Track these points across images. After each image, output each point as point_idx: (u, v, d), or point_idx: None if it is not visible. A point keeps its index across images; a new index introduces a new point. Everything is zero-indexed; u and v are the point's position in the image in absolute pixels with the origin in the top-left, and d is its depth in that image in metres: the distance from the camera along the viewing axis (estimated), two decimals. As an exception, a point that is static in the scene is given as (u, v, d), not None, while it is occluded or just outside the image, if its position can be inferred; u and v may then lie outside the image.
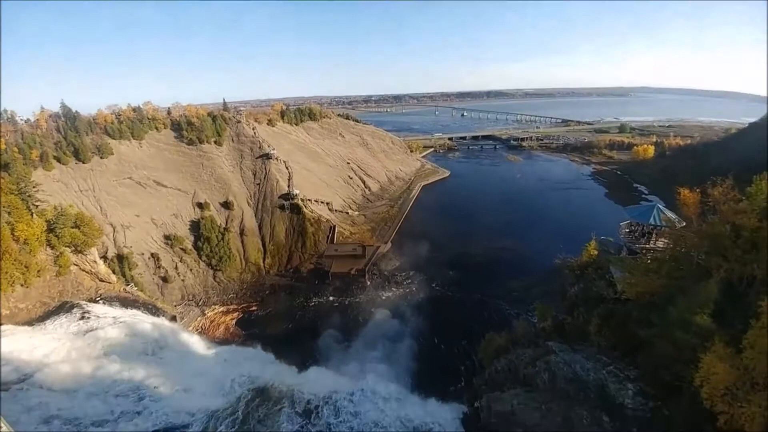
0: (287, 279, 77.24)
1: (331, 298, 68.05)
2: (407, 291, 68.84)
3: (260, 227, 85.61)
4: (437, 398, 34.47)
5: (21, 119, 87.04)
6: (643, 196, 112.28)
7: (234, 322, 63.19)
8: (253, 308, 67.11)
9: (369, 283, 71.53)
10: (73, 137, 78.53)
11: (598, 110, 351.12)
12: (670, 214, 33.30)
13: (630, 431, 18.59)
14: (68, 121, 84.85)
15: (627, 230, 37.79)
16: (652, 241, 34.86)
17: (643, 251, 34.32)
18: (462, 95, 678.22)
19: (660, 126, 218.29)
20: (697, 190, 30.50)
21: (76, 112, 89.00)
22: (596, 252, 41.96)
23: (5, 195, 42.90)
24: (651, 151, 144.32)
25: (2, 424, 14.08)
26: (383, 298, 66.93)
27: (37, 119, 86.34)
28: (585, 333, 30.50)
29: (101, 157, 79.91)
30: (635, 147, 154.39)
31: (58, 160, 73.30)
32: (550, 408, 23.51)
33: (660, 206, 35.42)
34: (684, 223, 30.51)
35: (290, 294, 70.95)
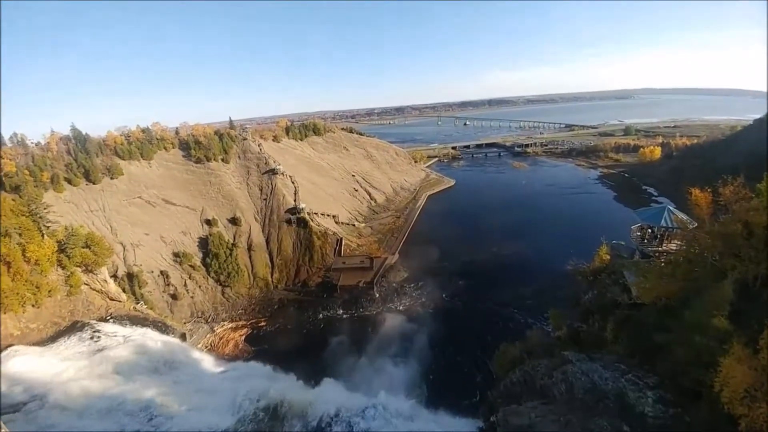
0: (295, 293, 76.98)
1: (340, 312, 67.45)
2: (417, 302, 67.96)
3: (267, 242, 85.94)
4: (451, 413, 33.59)
5: (31, 142, 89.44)
6: (653, 198, 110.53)
7: (243, 338, 62.86)
8: (262, 323, 66.78)
9: (378, 295, 70.87)
10: (83, 159, 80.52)
11: (601, 114, 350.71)
12: (682, 216, 32.63)
13: None
14: (78, 143, 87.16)
15: (638, 233, 37.07)
16: (665, 244, 34.12)
17: (657, 254, 33.57)
18: (464, 104, 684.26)
19: (665, 127, 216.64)
20: (708, 190, 29.90)
21: (86, 134, 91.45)
22: (608, 257, 41.18)
23: (17, 217, 43.80)
24: (658, 152, 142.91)
25: None
26: (393, 310, 66.12)
27: (48, 142, 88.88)
28: (601, 340, 29.68)
29: (111, 178, 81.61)
30: (641, 149, 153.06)
31: (69, 181, 75.03)
32: (569, 420, 22.67)
33: (671, 207, 34.82)
34: (696, 224, 29.85)
35: (299, 308, 70.60)
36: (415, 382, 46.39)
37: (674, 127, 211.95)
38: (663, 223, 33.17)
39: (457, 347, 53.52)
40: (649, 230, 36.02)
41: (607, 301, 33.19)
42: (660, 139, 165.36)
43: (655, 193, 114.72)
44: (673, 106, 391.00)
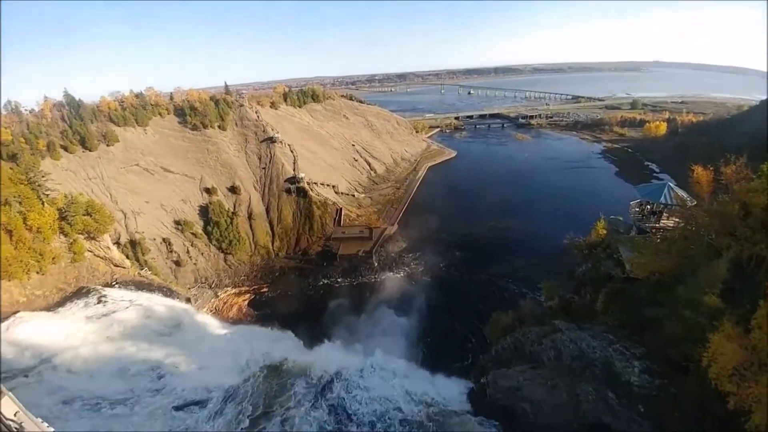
0: (296, 261, 78.41)
1: (339, 279, 69.17)
2: (414, 272, 69.64)
3: (268, 211, 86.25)
4: (444, 374, 35.43)
5: (25, 109, 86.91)
6: (655, 174, 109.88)
7: (246, 303, 64.84)
8: (264, 290, 68.61)
9: (376, 264, 72.38)
10: (78, 126, 78.75)
11: (609, 85, 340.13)
12: (682, 193, 32.60)
13: (636, 408, 18.91)
14: (72, 109, 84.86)
15: (637, 209, 37.21)
16: (662, 221, 34.35)
17: (653, 230, 33.89)
18: (468, 72, 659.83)
19: (673, 102, 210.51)
20: (711, 168, 29.80)
21: (80, 100, 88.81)
22: (605, 231, 41.60)
23: (15, 185, 43.64)
24: (663, 128, 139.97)
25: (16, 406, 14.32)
26: (391, 278, 67.82)
27: (42, 109, 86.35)
28: (592, 312, 30.74)
29: (107, 145, 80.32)
30: (647, 124, 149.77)
31: (65, 149, 73.83)
32: (556, 384, 24.00)
33: (671, 185, 34.66)
34: (695, 202, 30.00)
35: (299, 276, 72.26)
36: (411, 345, 48.60)
37: (681, 102, 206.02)
38: (662, 199, 33.13)
39: (452, 314, 55.56)
40: (648, 206, 36.14)
41: (601, 274, 33.94)
42: (666, 115, 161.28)
43: (657, 170, 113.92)
44: (682, 81, 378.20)
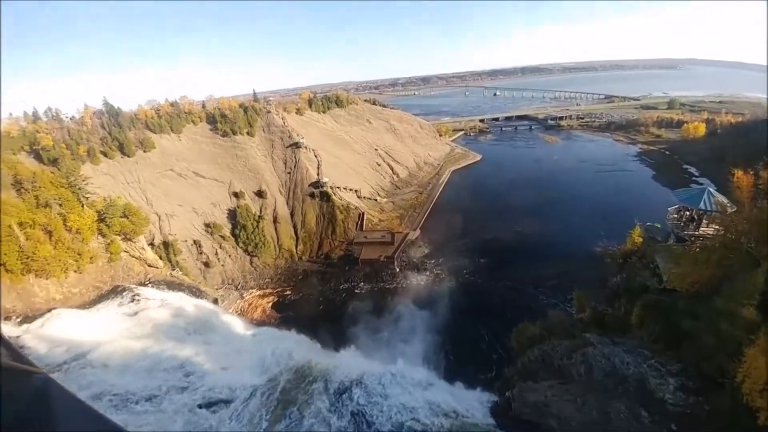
0: (318, 265, 79.38)
1: (361, 284, 69.28)
2: (437, 278, 68.53)
3: (292, 215, 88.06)
4: (467, 385, 34.41)
5: (66, 117, 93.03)
6: (694, 178, 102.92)
7: (270, 305, 66.24)
8: (288, 292, 69.86)
9: (398, 269, 71.91)
10: (117, 133, 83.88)
11: (644, 84, 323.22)
12: (722, 198, 30.47)
13: (668, 426, 17.67)
14: (111, 117, 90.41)
15: (675, 215, 34.97)
16: (702, 228, 32.12)
17: (692, 238, 31.72)
18: (494, 73, 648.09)
19: (711, 102, 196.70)
20: (751, 172, 27.85)
21: (118, 108, 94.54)
22: (641, 239, 39.30)
23: (56, 188, 46.79)
24: (702, 129, 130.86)
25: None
26: (413, 284, 67.10)
27: (82, 116, 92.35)
28: (626, 325, 28.93)
29: (144, 151, 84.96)
30: (685, 125, 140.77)
31: (105, 154, 78.77)
32: (586, 401, 22.70)
33: (711, 189, 32.41)
34: (735, 208, 27.92)
35: (322, 279, 73.03)
36: (432, 354, 47.62)
37: (720, 102, 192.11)
38: (702, 205, 31.01)
39: (475, 323, 54.06)
40: (687, 212, 33.87)
41: (636, 285, 31.98)
42: (705, 115, 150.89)
43: (696, 173, 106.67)
44: (719, 79, 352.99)
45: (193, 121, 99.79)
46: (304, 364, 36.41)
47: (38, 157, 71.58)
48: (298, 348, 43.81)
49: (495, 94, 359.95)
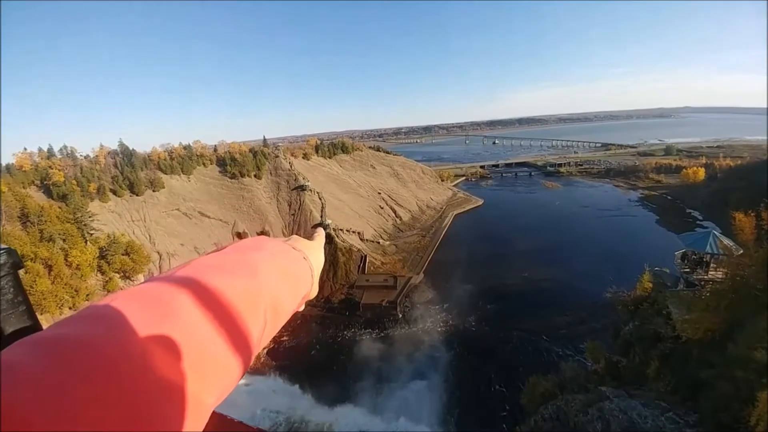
0: (318, 309, 77.07)
1: (362, 331, 66.58)
2: (441, 326, 65.77)
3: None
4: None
5: (81, 155, 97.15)
6: (698, 222, 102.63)
7: (265, 351, 63.19)
8: (284, 338, 67.03)
9: (401, 315, 69.47)
10: (129, 172, 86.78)
11: (639, 132, 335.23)
12: (728, 241, 30.25)
13: None
14: (125, 157, 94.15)
15: (681, 260, 34.44)
16: (710, 272, 31.51)
17: (702, 282, 30.96)
18: (492, 123, 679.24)
19: (708, 147, 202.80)
20: (752, 214, 27.96)
21: (133, 149, 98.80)
22: (650, 285, 38.22)
23: (62, 223, 47.43)
24: (702, 173, 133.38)
25: None
26: (416, 332, 64.35)
27: (97, 155, 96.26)
28: (642, 375, 27.37)
29: (153, 191, 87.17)
30: (684, 170, 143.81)
31: (114, 192, 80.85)
32: (606, 462, 20.83)
33: (716, 233, 32.32)
34: (741, 251, 27.60)
35: (321, 325, 70.43)
36: (436, 411, 44.34)
37: (717, 147, 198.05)
38: (708, 248, 30.70)
39: (482, 376, 50.73)
40: (694, 256, 33.34)
41: (649, 333, 30.61)
42: (703, 160, 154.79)
43: (700, 217, 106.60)
44: (716, 126, 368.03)
45: (203, 164, 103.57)
46: (299, 420, 34.03)
47: (48, 192, 73.31)
48: (292, 401, 41.21)
49: (494, 143, 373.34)
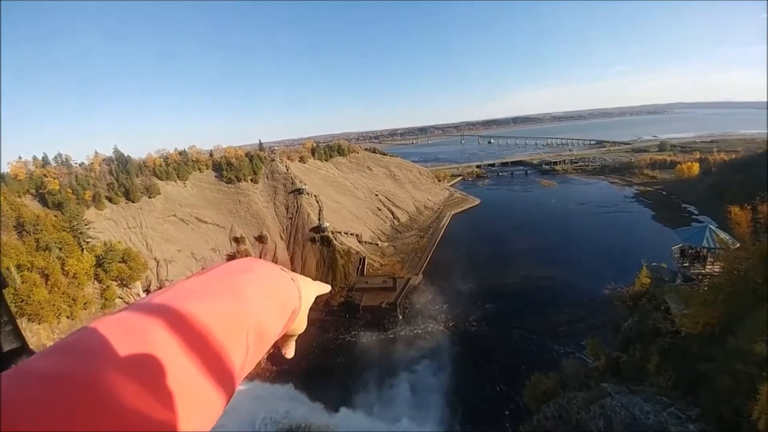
0: (317, 312, 76.76)
1: (361, 333, 66.41)
2: (441, 326, 65.77)
3: (292, 260, 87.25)
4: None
5: (75, 163, 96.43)
6: (694, 216, 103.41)
7: (265, 357, 62.91)
8: (285, 342, 66.73)
9: (400, 316, 69.42)
10: (124, 179, 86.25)
11: (633, 129, 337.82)
12: (724, 235, 30.49)
13: None
14: (120, 164, 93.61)
15: (679, 254, 34.62)
16: (708, 265, 31.70)
17: (700, 277, 31.16)
18: (487, 123, 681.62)
19: (702, 142, 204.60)
20: (748, 207, 28.20)
21: (128, 156, 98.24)
22: (648, 280, 38.43)
23: (58, 232, 47.09)
24: (696, 168, 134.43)
25: None
26: (416, 333, 64.29)
27: (91, 163, 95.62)
28: (642, 371, 27.48)
29: (149, 197, 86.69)
30: (678, 165, 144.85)
31: (110, 200, 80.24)
32: (610, 459, 20.88)
33: (712, 227, 32.52)
34: (738, 244, 27.81)
35: (321, 328, 70.11)
36: (439, 411, 44.29)
37: (711, 141, 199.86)
38: (705, 243, 30.87)
39: (484, 376, 50.75)
40: (691, 251, 33.54)
41: (648, 328, 30.78)
42: (697, 155, 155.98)
43: (696, 212, 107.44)
44: (709, 121, 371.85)
45: (199, 169, 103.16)
46: (300, 424, 33.85)
47: (43, 201, 72.69)
48: (293, 405, 41.01)
49: (489, 142, 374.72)
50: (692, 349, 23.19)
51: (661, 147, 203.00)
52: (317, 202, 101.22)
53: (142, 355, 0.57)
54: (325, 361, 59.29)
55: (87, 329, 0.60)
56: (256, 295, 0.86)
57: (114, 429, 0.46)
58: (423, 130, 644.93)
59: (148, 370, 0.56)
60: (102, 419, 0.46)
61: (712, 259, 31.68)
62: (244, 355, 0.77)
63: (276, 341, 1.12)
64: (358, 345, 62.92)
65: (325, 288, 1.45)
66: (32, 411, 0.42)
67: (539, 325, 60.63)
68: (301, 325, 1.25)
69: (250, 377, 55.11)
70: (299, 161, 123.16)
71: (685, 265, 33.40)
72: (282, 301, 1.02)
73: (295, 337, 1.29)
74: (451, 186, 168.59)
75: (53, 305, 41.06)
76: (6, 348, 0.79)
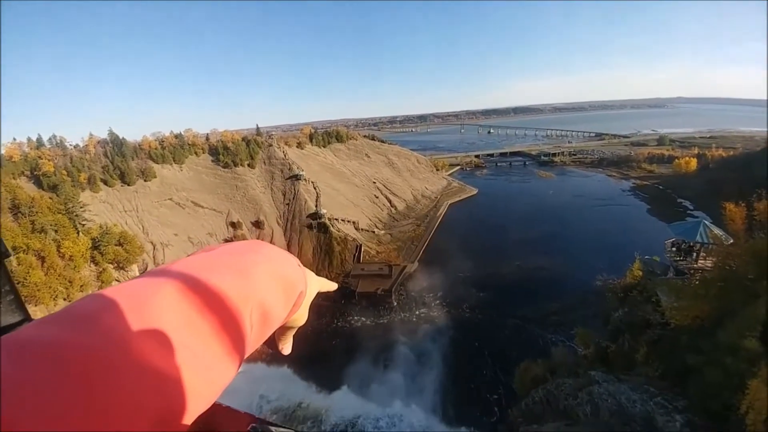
0: (314, 298, 77.37)
1: (356, 318, 67.36)
2: (436, 313, 66.83)
3: (289, 246, 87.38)
4: (468, 430, 32.54)
5: (70, 144, 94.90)
6: (689, 211, 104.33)
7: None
8: (281, 327, 67.55)
9: (396, 303, 70.30)
10: (119, 162, 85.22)
11: (633, 123, 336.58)
12: (718, 231, 30.92)
13: None
14: (115, 147, 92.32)
15: (672, 248, 35.13)
16: (700, 260, 32.25)
17: (691, 271, 31.71)
18: (487, 112, 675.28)
19: (701, 137, 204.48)
20: (743, 204, 28.52)
21: (123, 138, 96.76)
22: (641, 273, 39.05)
23: (53, 214, 46.78)
24: (694, 163, 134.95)
25: None
26: (411, 319, 65.33)
27: (86, 145, 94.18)
28: (631, 361, 28.20)
29: (145, 180, 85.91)
30: (676, 160, 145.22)
31: (105, 182, 79.49)
32: (594, 444, 21.60)
33: (706, 222, 32.97)
34: (732, 240, 28.23)
35: (316, 313, 70.83)
36: (432, 395, 45.40)
37: (710, 137, 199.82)
38: (698, 238, 31.39)
39: (476, 362, 51.93)
40: (684, 245, 34.04)
41: (638, 320, 31.47)
42: (696, 150, 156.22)
43: (691, 207, 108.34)
44: (709, 116, 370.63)
45: (195, 153, 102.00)
46: (296, 405, 34.55)
47: (38, 183, 71.85)
48: (289, 387, 41.77)
49: (489, 132, 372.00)
50: (681, 342, 23.72)
51: (660, 141, 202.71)
52: (315, 188, 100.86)
53: (147, 324, 0.57)
54: (320, 345, 60.15)
55: (93, 297, 0.61)
56: (262, 274, 0.86)
57: (117, 399, 0.46)
58: (423, 118, 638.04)
59: (152, 340, 0.56)
60: (106, 390, 0.45)
61: (704, 254, 32.26)
62: (248, 332, 0.77)
63: (273, 335, 1.09)
64: (353, 330, 63.88)
65: (331, 286, 1.41)
66: (33, 380, 0.41)
67: (531, 313, 61.77)
68: (301, 317, 1.22)
69: (247, 359, 55.75)
70: (297, 147, 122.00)
71: (677, 259, 33.97)
72: (288, 285, 1.01)
73: (294, 331, 1.26)
74: (449, 175, 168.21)
75: (50, 287, 41.09)
76: (9, 317, 0.78)
